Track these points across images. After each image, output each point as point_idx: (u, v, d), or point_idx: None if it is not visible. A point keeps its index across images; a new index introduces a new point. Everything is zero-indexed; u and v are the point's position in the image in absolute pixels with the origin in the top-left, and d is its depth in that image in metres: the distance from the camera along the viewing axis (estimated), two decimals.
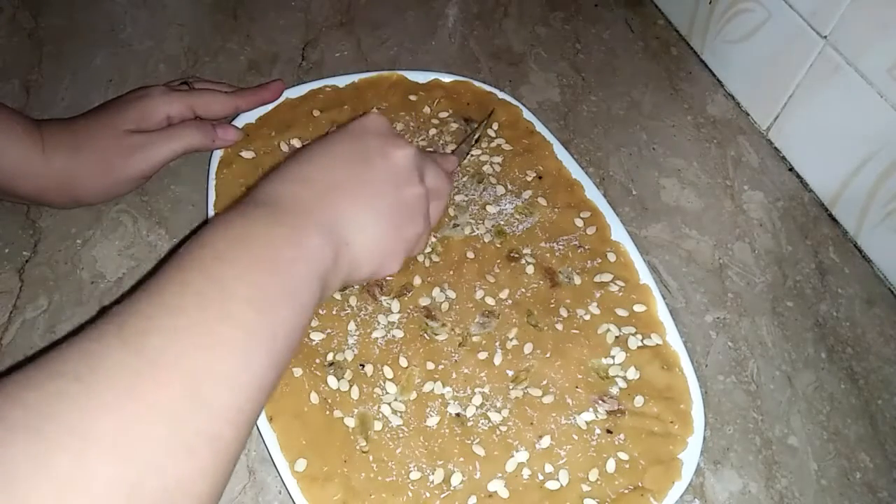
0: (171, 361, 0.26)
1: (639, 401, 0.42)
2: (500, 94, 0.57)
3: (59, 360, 0.25)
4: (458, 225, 0.50)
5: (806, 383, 0.46)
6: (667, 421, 0.41)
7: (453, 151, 0.52)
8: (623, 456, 0.40)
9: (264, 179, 0.37)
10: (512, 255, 0.48)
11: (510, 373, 0.43)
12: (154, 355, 0.26)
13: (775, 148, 0.59)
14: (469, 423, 0.41)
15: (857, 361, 0.47)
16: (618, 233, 0.49)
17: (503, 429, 0.41)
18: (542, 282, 0.47)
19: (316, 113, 0.54)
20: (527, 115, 0.56)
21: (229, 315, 0.28)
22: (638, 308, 0.46)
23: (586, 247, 0.49)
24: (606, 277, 0.47)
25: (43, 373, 0.25)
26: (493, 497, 0.39)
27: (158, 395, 0.25)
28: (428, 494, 0.38)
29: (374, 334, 0.44)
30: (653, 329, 0.45)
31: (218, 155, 0.51)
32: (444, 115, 0.56)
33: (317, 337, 0.43)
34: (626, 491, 0.39)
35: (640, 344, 0.44)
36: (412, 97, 0.57)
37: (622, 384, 0.43)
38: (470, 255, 0.48)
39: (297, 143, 0.53)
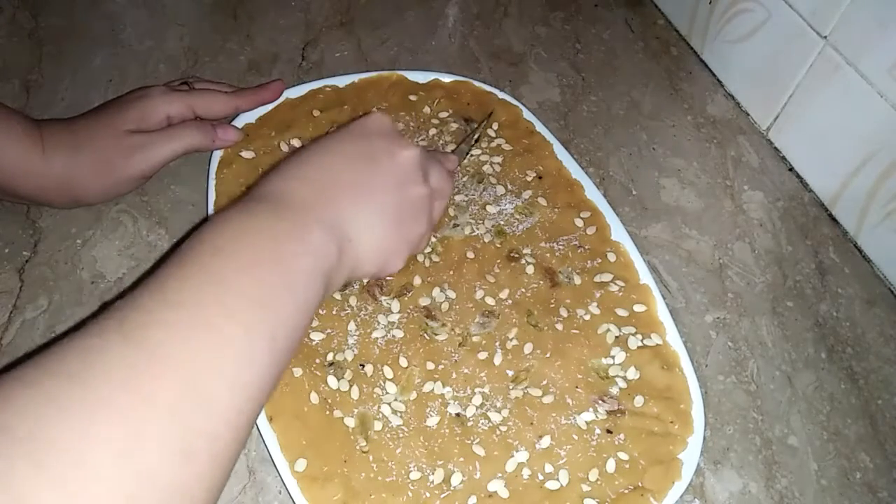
0: (170, 356, 0.26)
1: (639, 401, 0.42)
2: (500, 94, 0.57)
3: (58, 358, 0.25)
4: (458, 225, 0.50)
5: (806, 383, 0.46)
6: (667, 421, 0.41)
7: (453, 151, 0.52)
8: (623, 456, 0.40)
9: (265, 177, 0.36)
10: (512, 255, 0.48)
11: (510, 373, 0.43)
12: (154, 348, 0.26)
13: (775, 148, 0.59)
14: (469, 423, 0.41)
15: (857, 361, 0.47)
16: (618, 233, 0.49)
17: (503, 429, 0.41)
18: (542, 282, 0.47)
19: (316, 113, 0.54)
20: (527, 115, 0.56)
21: (229, 311, 0.28)
22: (638, 308, 0.46)
23: (586, 247, 0.49)
24: (606, 277, 0.47)
25: (41, 372, 0.25)
26: (493, 497, 0.39)
27: (157, 392, 0.25)
28: (428, 494, 0.38)
29: (374, 334, 0.44)
30: (653, 329, 0.45)
31: (218, 155, 0.51)
32: (444, 115, 0.56)
33: (317, 337, 0.43)
34: (626, 491, 0.39)
35: (640, 344, 0.44)
36: (412, 97, 0.57)
37: (622, 384, 0.43)
38: (470, 255, 0.48)
39: (297, 143, 0.53)
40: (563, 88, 0.62)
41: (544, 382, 0.43)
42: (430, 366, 0.43)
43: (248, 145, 0.52)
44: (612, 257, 0.48)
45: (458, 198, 0.51)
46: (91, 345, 0.26)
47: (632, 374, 0.43)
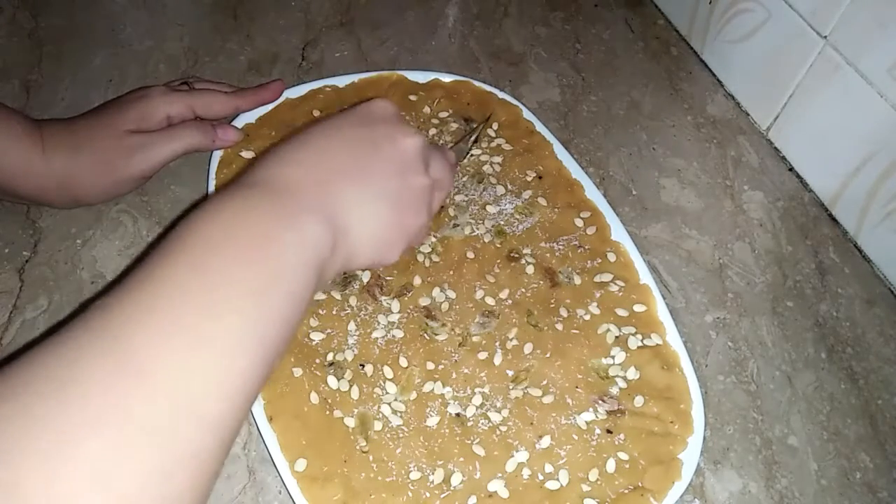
0: (153, 367, 0.24)
1: (639, 401, 0.42)
2: (500, 94, 0.57)
3: (30, 371, 0.23)
4: (458, 225, 0.50)
5: (806, 383, 0.46)
6: (667, 421, 0.41)
7: (451, 149, 0.52)
8: (623, 456, 0.40)
9: (262, 158, 0.34)
10: (512, 255, 0.48)
11: (510, 373, 0.43)
12: (133, 357, 0.24)
13: (775, 148, 0.59)
14: (469, 423, 0.41)
15: (857, 361, 0.47)
16: (618, 233, 0.49)
17: (503, 429, 0.41)
18: (542, 282, 0.47)
19: (316, 113, 0.54)
20: (527, 114, 0.56)
21: (216, 312, 0.26)
22: (638, 308, 0.46)
23: (586, 247, 0.49)
24: (606, 277, 0.47)
25: (14, 386, 0.23)
26: (493, 497, 0.39)
27: (135, 407, 0.23)
28: (428, 494, 0.38)
29: (374, 334, 0.44)
30: (653, 329, 0.45)
31: (218, 155, 0.51)
32: (444, 114, 0.56)
33: (317, 337, 0.43)
34: (626, 491, 0.39)
35: (640, 344, 0.44)
36: (412, 97, 0.57)
37: (622, 384, 0.43)
38: (470, 255, 0.48)
39: None
40: (563, 88, 0.62)
41: (544, 382, 0.43)
42: (430, 366, 0.43)
43: (248, 145, 0.52)
44: (612, 257, 0.48)
45: (458, 198, 0.51)
46: (68, 355, 0.24)
47: (632, 374, 0.43)
